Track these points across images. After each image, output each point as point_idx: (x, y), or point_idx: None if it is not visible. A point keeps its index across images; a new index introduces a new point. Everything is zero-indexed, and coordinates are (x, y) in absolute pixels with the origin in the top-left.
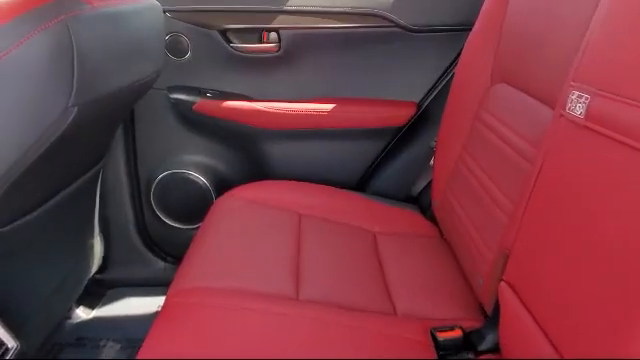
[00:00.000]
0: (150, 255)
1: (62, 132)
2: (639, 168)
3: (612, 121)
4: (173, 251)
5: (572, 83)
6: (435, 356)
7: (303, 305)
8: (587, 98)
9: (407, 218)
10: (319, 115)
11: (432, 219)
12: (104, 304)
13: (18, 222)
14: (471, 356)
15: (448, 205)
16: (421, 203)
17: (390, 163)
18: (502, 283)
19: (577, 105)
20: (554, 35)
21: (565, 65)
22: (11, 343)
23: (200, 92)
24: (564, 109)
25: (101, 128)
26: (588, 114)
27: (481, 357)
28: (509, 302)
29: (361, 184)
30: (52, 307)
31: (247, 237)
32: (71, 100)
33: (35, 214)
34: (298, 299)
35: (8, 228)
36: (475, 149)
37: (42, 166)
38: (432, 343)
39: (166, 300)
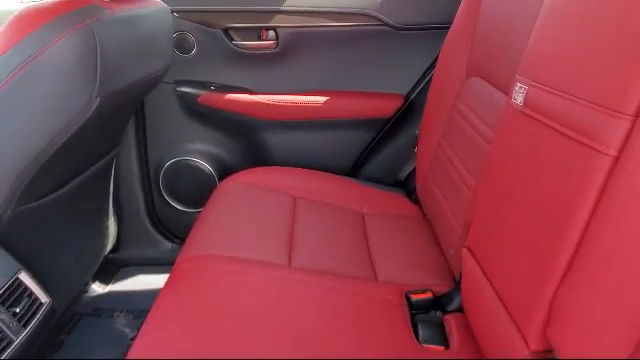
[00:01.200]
0: (159, 237)
1: (86, 120)
2: (562, 148)
3: (542, 108)
4: (180, 233)
5: (517, 76)
6: (408, 314)
7: (294, 271)
8: (525, 89)
9: (393, 201)
10: (314, 107)
11: (417, 202)
12: (117, 280)
13: (46, 198)
14: (439, 314)
15: (429, 188)
16: (407, 187)
17: (379, 151)
18: (464, 249)
19: (518, 95)
20: (516, 34)
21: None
22: (44, 299)
23: (205, 85)
24: (510, 98)
25: (117, 117)
26: (525, 102)
27: (447, 315)
28: (469, 265)
29: (353, 170)
30: (71, 279)
31: (246, 215)
32: (95, 92)
33: (60, 193)
34: (290, 266)
35: (37, 203)
36: (452, 137)
37: (67, 149)
38: (406, 303)
39: (175, 265)
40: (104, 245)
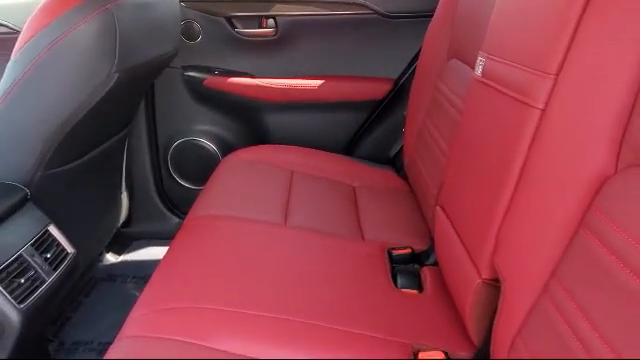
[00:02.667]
0: (167, 212)
1: (106, 92)
2: (505, 106)
3: (494, 76)
4: (186, 209)
5: (479, 52)
6: (389, 266)
7: (289, 229)
8: (484, 61)
9: (383, 176)
10: (310, 90)
11: (404, 177)
12: (129, 251)
13: (69, 165)
14: (416, 267)
15: (414, 163)
16: (396, 164)
17: (371, 130)
18: (437, 208)
19: (479, 67)
20: (487, 18)
21: None
22: (70, 249)
23: (209, 70)
24: (474, 71)
25: (131, 94)
26: (483, 73)
27: (423, 267)
28: (440, 219)
29: (347, 149)
30: (87, 246)
31: (246, 185)
32: (114, 67)
33: (80, 162)
34: (285, 225)
35: (61, 169)
36: (434, 115)
37: (89, 120)
38: (388, 258)
39: (184, 223)
40: (117, 217)
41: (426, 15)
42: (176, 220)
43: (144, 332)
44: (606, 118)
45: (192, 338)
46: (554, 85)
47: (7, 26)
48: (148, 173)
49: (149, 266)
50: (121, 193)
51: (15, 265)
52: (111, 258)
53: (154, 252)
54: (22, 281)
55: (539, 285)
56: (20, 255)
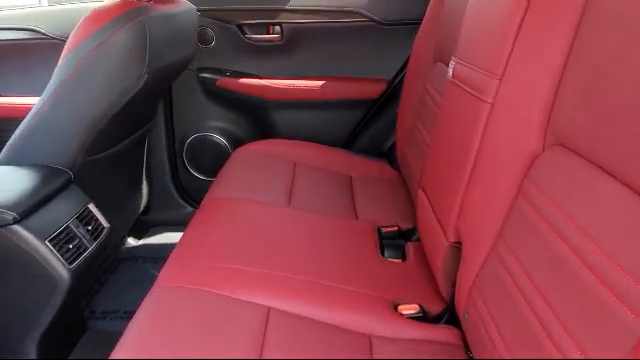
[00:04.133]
0: (182, 201)
1: (137, 91)
2: (466, 101)
3: (460, 77)
4: (199, 198)
5: (452, 56)
6: (378, 241)
7: (293, 209)
8: (454, 65)
9: (378, 168)
10: (312, 89)
11: (397, 169)
12: (148, 237)
13: (102, 154)
14: (402, 242)
15: (405, 156)
16: (389, 157)
17: (367, 127)
18: (419, 190)
19: (451, 70)
20: None
21: None
22: (105, 224)
23: (222, 72)
24: (447, 74)
25: (155, 93)
26: (453, 75)
27: (408, 243)
28: (421, 200)
29: (346, 143)
30: (116, 224)
31: (255, 173)
32: (144, 69)
33: (110, 151)
34: (289, 206)
35: (96, 157)
36: (422, 113)
37: (120, 115)
38: (378, 234)
39: (202, 204)
40: (139, 203)
41: (416, 22)
42: (190, 209)
43: (177, 283)
44: (536, 108)
45: (218, 290)
46: (500, 84)
47: (39, 32)
48: (165, 165)
49: (166, 249)
50: (142, 183)
51: (64, 234)
52: (132, 242)
53: (170, 237)
54: (70, 246)
55: (488, 244)
56: (68, 226)
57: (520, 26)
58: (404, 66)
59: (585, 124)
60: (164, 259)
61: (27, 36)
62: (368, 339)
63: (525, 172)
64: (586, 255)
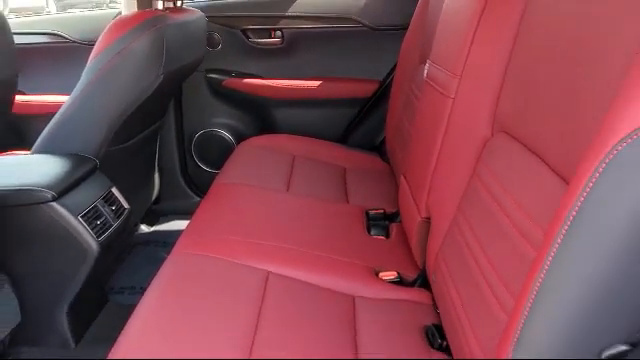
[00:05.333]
0: (190, 192)
1: (153, 90)
2: (434, 97)
3: (431, 77)
4: (206, 189)
5: (427, 60)
6: (366, 222)
7: (291, 195)
8: (428, 67)
9: (370, 160)
10: (310, 89)
11: (388, 162)
12: (159, 224)
13: (122, 145)
14: (387, 222)
15: (393, 150)
16: (381, 151)
17: (361, 123)
18: (401, 177)
19: (425, 71)
20: None
21: None
22: (126, 205)
23: (227, 72)
24: (424, 74)
25: (168, 92)
26: (427, 75)
27: (392, 224)
28: (403, 185)
29: (341, 138)
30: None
31: (257, 164)
32: (161, 70)
33: (130, 143)
34: (288, 192)
35: (117, 147)
36: (407, 111)
37: (138, 111)
38: (365, 216)
39: (211, 189)
40: (150, 195)
41: (404, 28)
42: (197, 199)
43: (190, 251)
44: (487, 101)
45: (226, 257)
46: (459, 81)
47: (62, 36)
48: (175, 159)
49: (175, 235)
50: (154, 174)
51: (93, 211)
52: (145, 228)
53: (179, 224)
54: (98, 222)
55: (450, 216)
56: (95, 205)
57: (474, 34)
58: (394, 68)
59: (520, 114)
60: (173, 244)
61: (50, 40)
62: (352, 299)
63: (478, 155)
64: (520, 224)
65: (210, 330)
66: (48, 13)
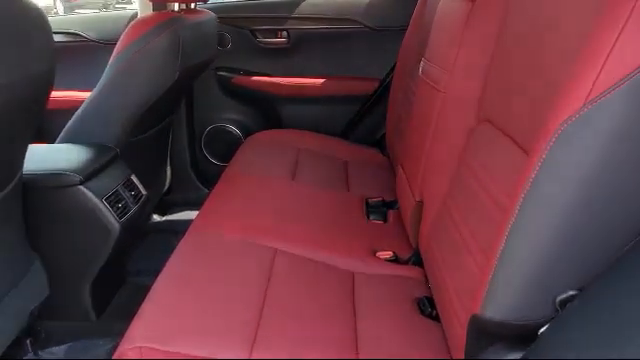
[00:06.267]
0: (199, 184)
1: (169, 86)
2: (427, 92)
3: (426, 73)
4: (215, 181)
5: (422, 58)
6: (365, 209)
7: (296, 183)
8: (423, 64)
9: (370, 155)
10: (315, 86)
11: (388, 157)
12: (170, 214)
13: (139, 137)
14: (385, 209)
15: (393, 144)
16: (381, 146)
17: (362, 119)
18: (399, 166)
19: (421, 68)
20: None
21: None
22: (144, 192)
23: (236, 71)
24: (419, 72)
25: (182, 88)
26: (422, 72)
27: (390, 210)
28: (400, 174)
29: (343, 133)
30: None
31: (264, 156)
32: (177, 67)
33: (146, 135)
34: (294, 180)
35: (135, 139)
36: (406, 106)
37: (154, 106)
38: (365, 204)
39: (221, 177)
40: (162, 185)
41: (403, 28)
42: (206, 191)
43: (204, 230)
44: (473, 93)
45: (243, 237)
46: (450, 76)
47: (81, 35)
48: (186, 152)
49: (186, 224)
50: (166, 166)
51: (115, 195)
52: (157, 218)
53: (189, 214)
54: (119, 205)
55: (440, 199)
56: (117, 190)
57: (463, 34)
58: (394, 67)
59: (500, 103)
60: (184, 232)
61: (69, 39)
62: (352, 274)
63: (465, 143)
64: (494, 195)
65: (223, 298)
66: (56, 13)
